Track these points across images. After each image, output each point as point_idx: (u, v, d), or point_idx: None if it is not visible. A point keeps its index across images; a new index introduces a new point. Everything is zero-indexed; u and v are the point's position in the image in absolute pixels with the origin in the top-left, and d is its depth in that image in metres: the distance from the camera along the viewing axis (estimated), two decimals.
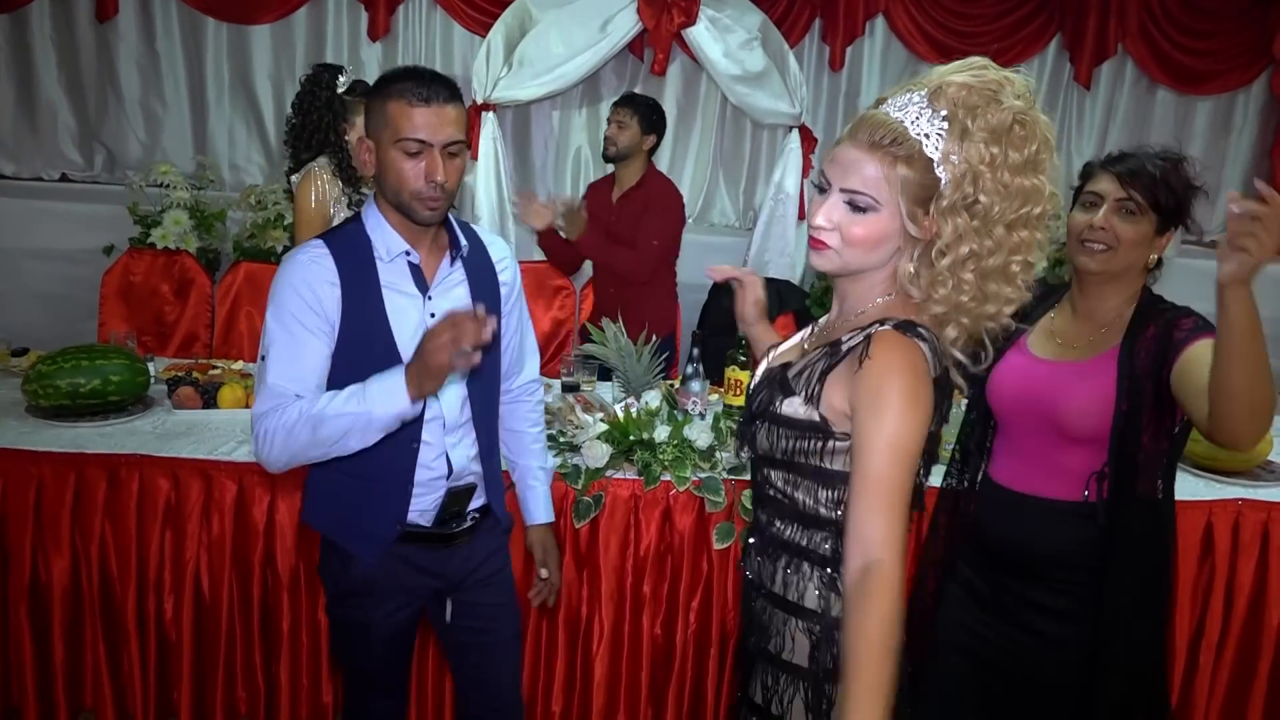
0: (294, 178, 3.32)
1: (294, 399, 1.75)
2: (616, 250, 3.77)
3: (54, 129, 5.45)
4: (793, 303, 4.69)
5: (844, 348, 1.40)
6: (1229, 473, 2.78)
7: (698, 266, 4.24)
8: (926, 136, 1.34)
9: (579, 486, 2.51)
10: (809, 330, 1.61)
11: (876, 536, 1.26)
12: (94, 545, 2.47)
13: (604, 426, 2.60)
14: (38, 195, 5.10)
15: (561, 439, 2.66)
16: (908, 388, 1.31)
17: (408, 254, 1.85)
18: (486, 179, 4.89)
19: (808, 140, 5.19)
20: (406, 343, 1.81)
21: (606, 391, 3.05)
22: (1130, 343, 1.82)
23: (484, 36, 5.01)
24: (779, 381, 1.47)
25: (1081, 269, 1.89)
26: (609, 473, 2.56)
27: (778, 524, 1.49)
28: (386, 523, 1.91)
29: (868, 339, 1.36)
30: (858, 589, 1.26)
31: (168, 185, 4.52)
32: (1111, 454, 1.81)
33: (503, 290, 2.01)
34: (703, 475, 2.56)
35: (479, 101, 4.82)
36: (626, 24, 4.85)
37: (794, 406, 1.43)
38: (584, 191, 4.14)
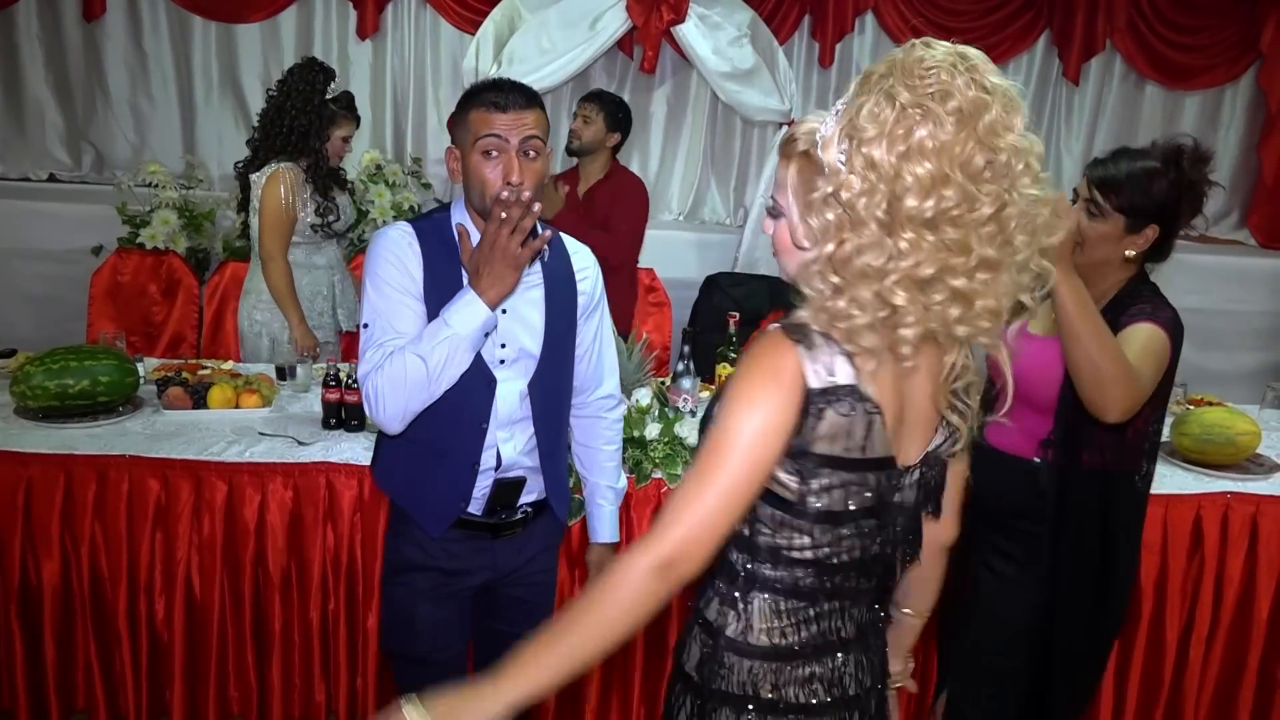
0: (255, 176, 3.29)
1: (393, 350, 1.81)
2: (591, 234, 3.74)
3: (42, 129, 5.43)
4: (783, 300, 4.69)
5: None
6: (1217, 466, 2.79)
7: (688, 263, 4.27)
8: (820, 130, 1.25)
9: (570, 485, 2.51)
10: None
11: (668, 515, 1.22)
12: (84, 546, 2.47)
13: None
14: (25, 195, 5.08)
15: None
16: (745, 386, 1.23)
17: None
18: None
19: None
20: (475, 335, 1.81)
21: None
22: None
23: (473, 34, 5.00)
24: (721, 388, 1.42)
25: None
26: None
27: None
28: (451, 501, 1.96)
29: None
30: (628, 564, 1.21)
31: (156, 185, 4.52)
32: (1057, 423, 2.00)
33: (580, 299, 2.03)
34: None
35: None
36: (616, 21, 4.85)
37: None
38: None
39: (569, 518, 2.50)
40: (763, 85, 4.97)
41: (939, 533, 1.54)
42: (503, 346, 1.92)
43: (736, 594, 1.36)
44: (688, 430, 2.62)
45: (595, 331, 2.10)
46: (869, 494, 1.30)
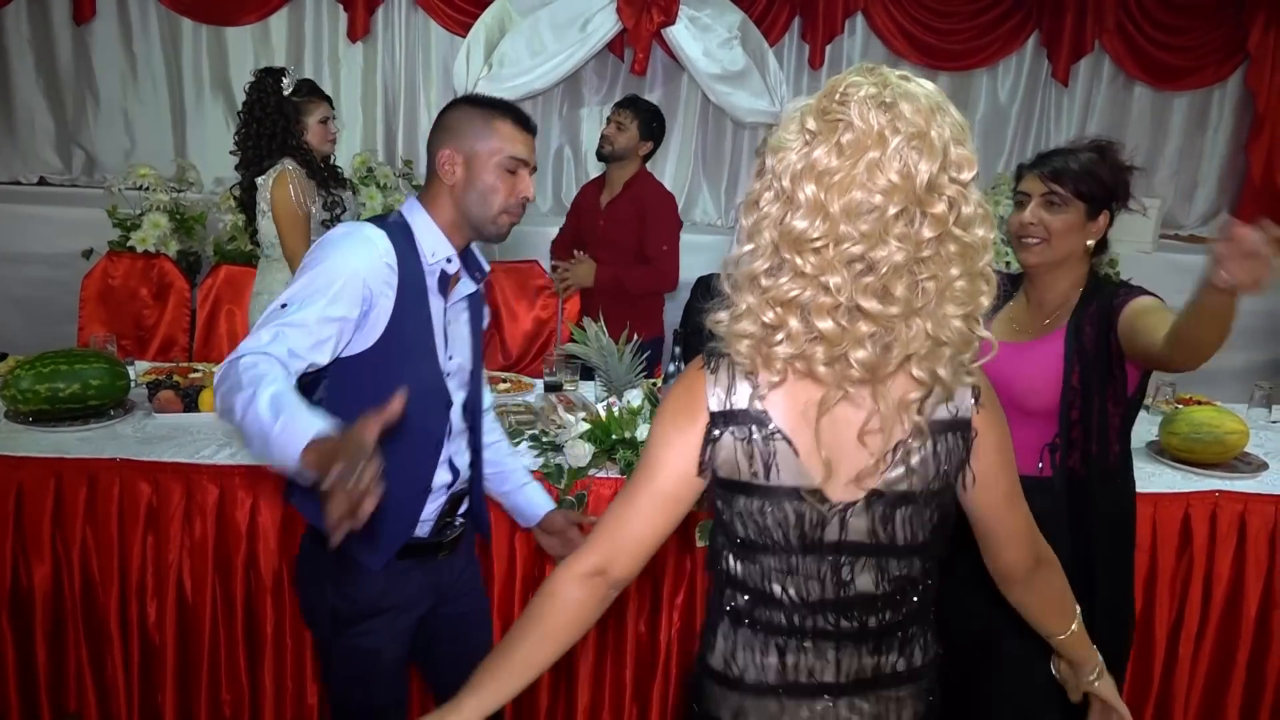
0: (260, 180, 3.30)
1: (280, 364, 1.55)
2: (631, 273, 3.77)
3: (32, 132, 5.42)
4: None
5: None
6: (1206, 465, 2.81)
7: (681, 265, 4.27)
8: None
9: (562, 486, 2.52)
10: None
11: (595, 530, 1.33)
12: (75, 550, 2.46)
13: (586, 426, 2.60)
14: (15, 199, 5.07)
15: (544, 439, 2.67)
16: (662, 420, 1.30)
17: (449, 261, 1.85)
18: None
19: None
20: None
21: (589, 391, 3.05)
22: (1076, 321, 1.97)
23: (464, 37, 5.01)
24: None
25: (1024, 263, 2.07)
26: (591, 472, 2.56)
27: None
28: (397, 530, 1.87)
29: None
30: (559, 569, 1.33)
31: (147, 188, 4.51)
32: (1062, 424, 1.95)
33: (486, 314, 2.10)
34: None
35: None
36: (606, 24, 4.86)
37: None
38: (576, 192, 4.13)
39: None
40: (753, 87, 4.98)
41: (1009, 564, 1.44)
42: (451, 358, 1.90)
43: (713, 621, 1.40)
44: None
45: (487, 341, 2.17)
46: (792, 524, 1.27)
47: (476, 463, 2.05)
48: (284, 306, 1.63)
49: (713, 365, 1.27)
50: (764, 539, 1.30)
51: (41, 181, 5.47)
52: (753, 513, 1.28)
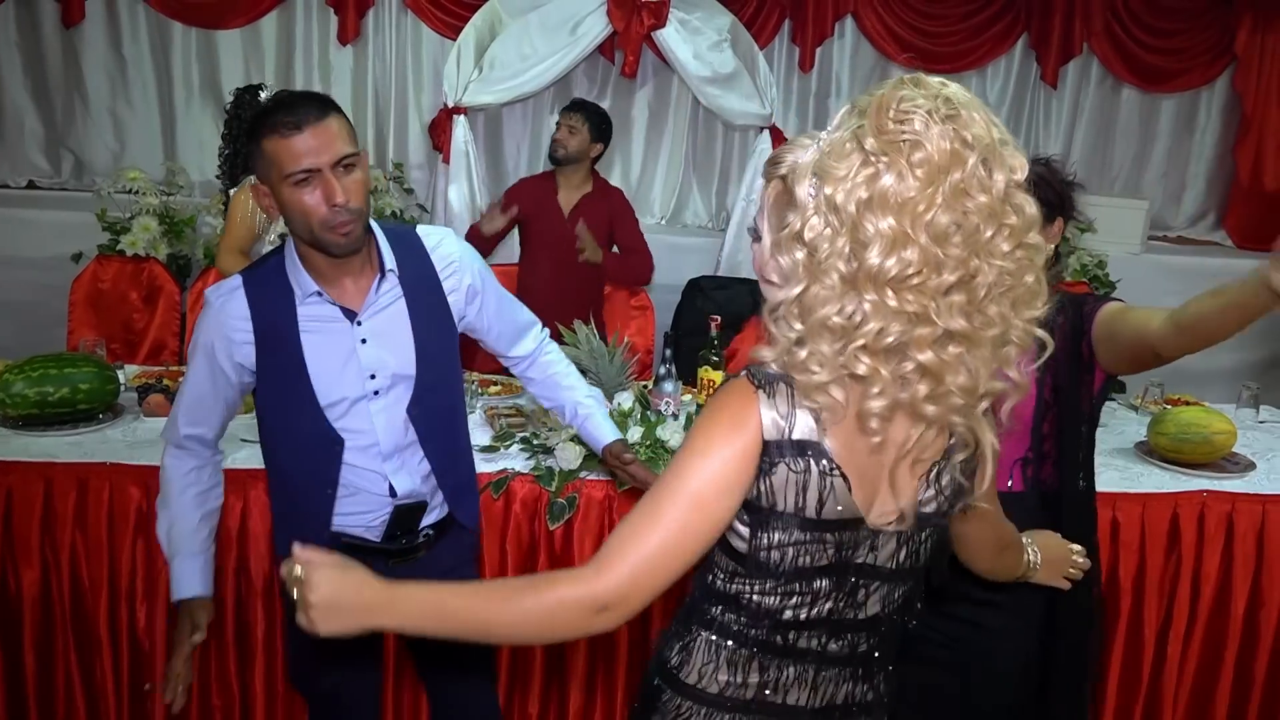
0: (232, 192, 3.36)
1: (187, 454, 1.90)
2: (628, 261, 4.03)
3: (20, 135, 5.40)
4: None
5: None
6: (1194, 465, 2.82)
7: (670, 267, 4.29)
8: (800, 163, 1.16)
9: (553, 488, 2.52)
10: None
11: (613, 550, 1.15)
12: (64, 555, 2.46)
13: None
14: (4, 203, 5.05)
15: (535, 441, 2.67)
16: (702, 431, 1.18)
17: (320, 294, 1.79)
18: (459, 183, 4.88)
19: (779, 141, 5.21)
20: (334, 374, 1.79)
21: None
22: (1046, 331, 1.92)
23: (454, 40, 5.00)
24: None
25: None
26: (582, 474, 2.56)
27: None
28: (315, 532, 1.84)
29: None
30: (565, 573, 1.19)
31: (136, 191, 4.49)
32: (1034, 438, 1.94)
33: (452, 298, 1.93)
34: None
35: (449, 105, 4.82)
36: (597, 27, 4.86)
37: None
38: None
39: (551, 522, 2.52)
40: (743, 90, 4.99)
41: (977, 564, 1.49)
42: (372, 377, 1.83)
43: (690, 634, 1.33)
44: (670, 433, 2.63)
45: (496, 301, 2.03)
46: (829, 553, 1.23)
47: (451, 468, 1.98)
48: (183, 382, 1.87)
49: (767, 389, 1.16)
50: (788, 565, 1.23)
51: (30, 185, 5.45)
52: (789, 543, 1.21)
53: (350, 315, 1.81)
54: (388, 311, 1.84)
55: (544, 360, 2.17)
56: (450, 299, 1.93)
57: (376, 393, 1.83)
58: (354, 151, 1.71)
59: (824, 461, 1.17)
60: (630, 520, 1.17)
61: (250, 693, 2.59)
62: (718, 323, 3.14)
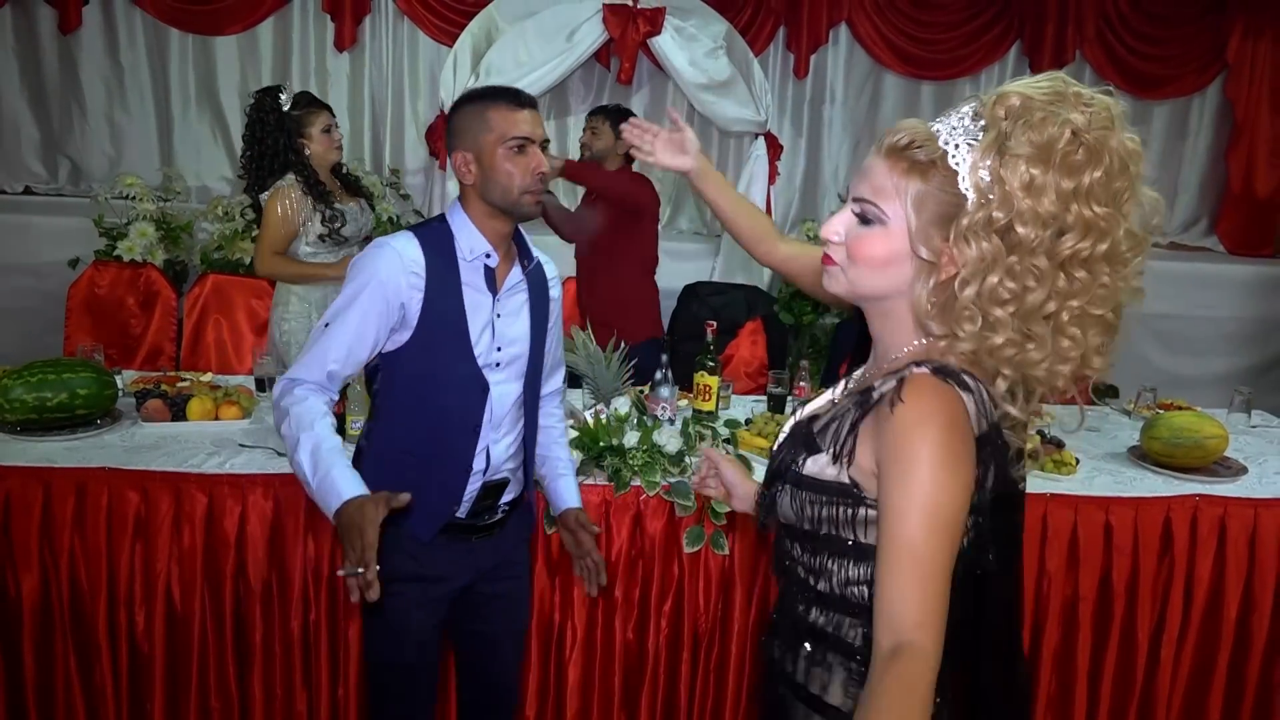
0: (263, 197, 3.35)
1: (320, 390, 1.90)
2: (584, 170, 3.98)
3: (17, 141, 5.42)
4: (760, 309, 4.74)
5: (875, 395, 1.21)
6: (1186, 469, 2.84)
7: (666, 273, 4.30)
8: (955, 146, 1.15)
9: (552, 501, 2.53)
10: (842, 384, 1.38)
11: (910, 617, 1.08)
12: (64, 560, 2.46)
13: (574, 433, 2.62)
14: (1, 209, 5.06)
15: None
16: (942, 443, 1.12)
17: (488, 256, 1.98)
18: (457, 188, 4.89)
19: (773, 147, 5.25)
20: (476, 335, 1.97)
21: (576, 398, 3.07)
22: None
23: (450, 46, 5.02)
24: (804, 436, 1.30)
25: None
26: (579, 478, 2.57)
27: (800, 605, 1.31)
28: (442, 505, 2.01)
29: (900, 383, 1.17)
30: (886, 672, 1.08)
31: (133, 197, 4.51)
32: None
33: (551, 306, 2.16)
34: (672, 480, 2.59)
35: (446, 111, 4.83)
36: (593, 34, 4.88)
37: (819, 465, 1.25)
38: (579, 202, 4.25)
39: (548, 526, 2.53)
40: (738, 96, 5.01)
41: None
42: (499, 349, 2.01)
43: (846, 660, 1.27)
44: (666, 438, 2.64)
45: (557, 333, 2.24)
46: (966, 540, 1.22)
47: (529, 455, 2.15)
48: (326, 325, 1.92)
49: (964, 383, 1.17)
50: (991, 552, 1.25)
51: (27, 191, 5.46)
52: (993, 528, 1.22)
53: (493, 290, 2.00)
54: (517, 297, 2.05)
55: (551, 409, 2.33)
56: (550, 306, 2.15)
57: (498, 364, 2.02)
58: (549, 140, 1.99)
59: (1004, 431, 1.21)
60: (903, 571, 1.10)
61: (249, 696, 2.59)
62: (713, 328, 3.16)
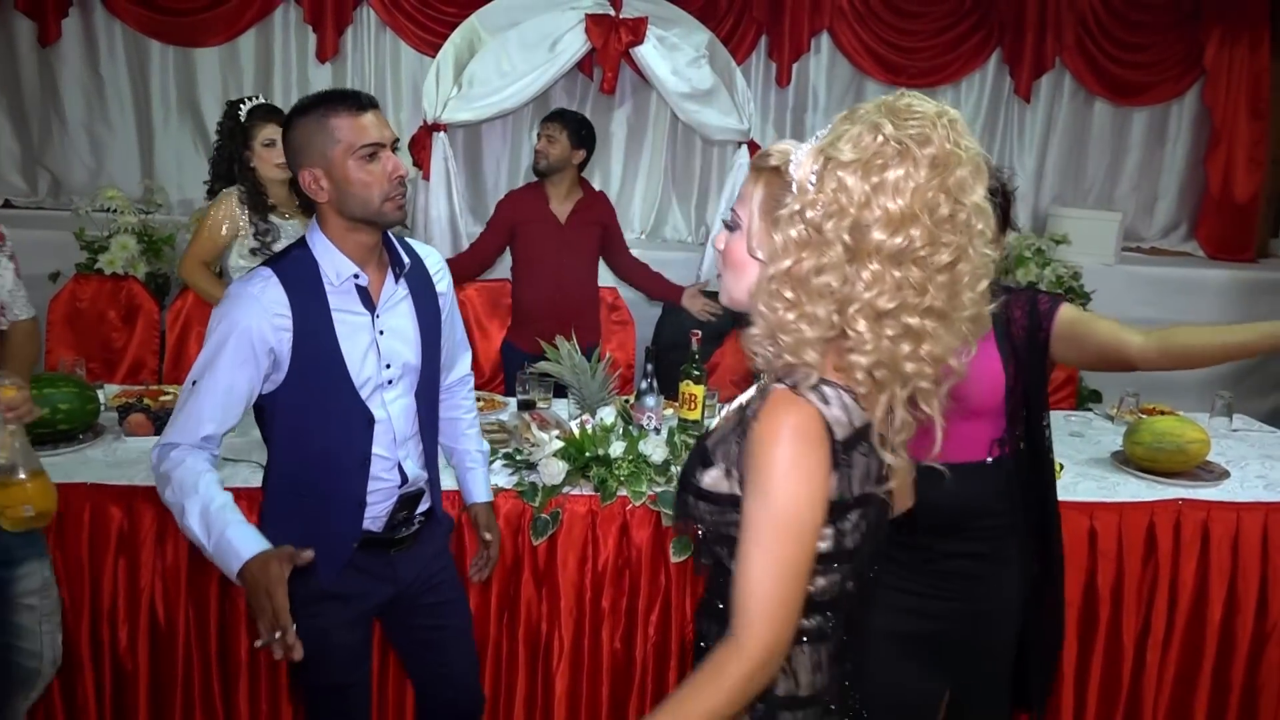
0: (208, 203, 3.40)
1: (197, 450, 1.84)
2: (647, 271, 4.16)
3: None
4: (745, 319, 4.73)
5: (748, 411, 1.30)
6: (1169, 474, 2.86)
7: None
8: (798, 152, 1.26)
9: (536, 504, 2.53)
10: (743, 397, 1.45)
11: (746, 615, 1.20)
12: None
13: (560, 443, 2.62)
14: None
15: (518, 456, 2.68)
16: (788, 457, 1.20)
17: (356, 277, 1.90)
18: (438, 199, 4.89)
19: None
20: (357, 361, 1.91)
21: (562, 408, 3.07)
22: (1003, 327, 2.05)
23: (433, 57, 5.01)
24: (700, 450, 1.38)
25: None
26: (565, 489, 2.58)
27: (718, 600, 1.36)
28: (342, 540, 1.98)
29: (762, 398, 1.27)
30: (709, 659, 1.22)
31: (114, 210, 4.48)
32: (1008, 419, 2.07)
33: (440, 301, 2.08)
34: (658, 489, 2.59)
35: (429, 122, 4.83)
36: (575, 43, 4.88)
37: (714, 478, 1.32)
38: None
39: (535, 537, 2.53)
40: (721, 105, 5.02)
41: None
42: (388, 367, 1.96)
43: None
44: (652, 448, 2.64)
45: (452, 321, 2.17)
46: (879, 520, 1.33)
47: (433, 460, 2.11)
48: (194, 384, 1.85)
49: (818, 395, 1.23)
50: (857, 544, 1.30)
51: (7, 204, 5.42)
52: (860, 520, 1.29)
53: (370, 308, 1.93)
54: (399, 307, 1.98)
55: (459, 400, 2.30)
56: (439, 301, 2.08)
57: (390, 381, 1.96)
58: (398, 138, 1.91)
59: (875, 436, 1.27)
60: (747, 571, 1.21)
61: (234, 712, 2.58)
62: (698, 337, 3.16)
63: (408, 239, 2.07)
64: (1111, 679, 2.75)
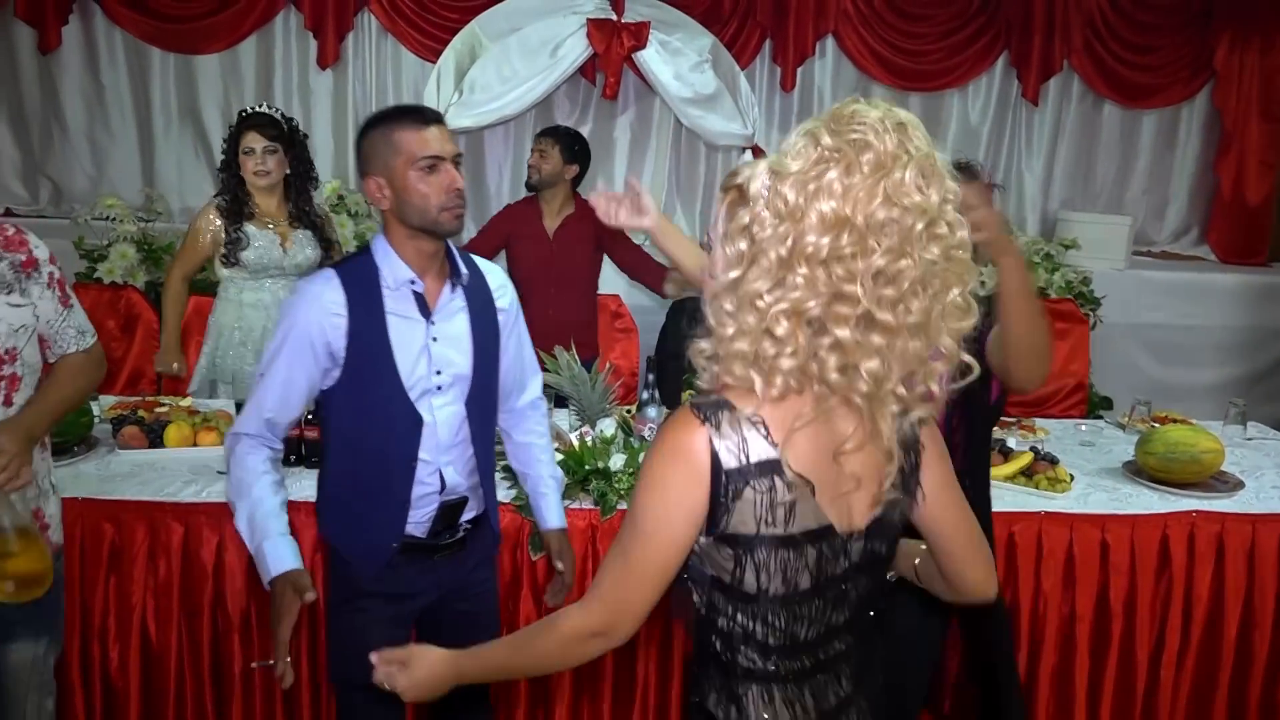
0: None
1: (260, 444, 1.97)
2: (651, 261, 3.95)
3: None
4: None
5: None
6: (1182, 485, 2.80)
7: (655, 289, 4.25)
8: (758, 169, 1.22)
9: (534, 518, 2.47)
10: None
11: (599, 588, 1.30)
12: None
13: (559, 456, 2.56)
14: None
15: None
16: (658, 467, 1.23)
17: (413, 283, 1.97)
18: None
19: None
20: (410, 364, 1.96)
21: (562, 420, 3.02)
22: None
23: (434, 63, 4.98)
24: None
25: None
26: (565, 503, 2.51)
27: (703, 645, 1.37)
28: (384, 540, 2.02)
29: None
30: (563, 609, 1.35)
31: (114, 218, 4.45)
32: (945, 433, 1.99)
33: (500, 317, 2.12)
34: None
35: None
36: (577, 49, 4.84)
37: None
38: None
39: (533, 552, 2.48)
40: (725, 110, 4.98)
41: (975, 585, 1.44)
42: (438, 373, 2.00)
43: (732, 686, 1.32)
44: None
45: (518, 340, 2.21)
46: (810, 566, 1.25)
47: (486, 473, 2.12)
48: (261, 376, 1.96)
49: (714, 420, 1.21)
50: (783, 588, 1.26)
51: (8, 213, 5.38)
52: (771, 562, 1.24)
53: (425, 314, 1.98)
54: (456, 317, 2.03)
55: (532, 425, 2.31)
56: (499, 316, 2.12)
57: (439, 388, 2.00)
58: (462, 152, 1.98)
59: (787, 474, 1.21)
60: (608, 556, 1.30)
61: None
62: None
63: (474, 256, 2.14)
64: (1125, 696, 2.69)
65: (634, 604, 1.28)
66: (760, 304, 1.16)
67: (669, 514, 1.23)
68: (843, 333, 1.15)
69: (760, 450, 1.20)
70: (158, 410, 2.94)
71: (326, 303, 1.92)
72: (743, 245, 1.18)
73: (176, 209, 5.34)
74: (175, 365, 3.39)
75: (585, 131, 4.66)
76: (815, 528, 1.24)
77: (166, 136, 5.44)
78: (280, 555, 1.85)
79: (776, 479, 1.21)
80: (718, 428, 1.20)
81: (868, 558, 1.32)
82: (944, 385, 1.24)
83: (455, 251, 2.06)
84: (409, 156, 1.90)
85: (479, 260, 2.14)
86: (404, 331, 1.96)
